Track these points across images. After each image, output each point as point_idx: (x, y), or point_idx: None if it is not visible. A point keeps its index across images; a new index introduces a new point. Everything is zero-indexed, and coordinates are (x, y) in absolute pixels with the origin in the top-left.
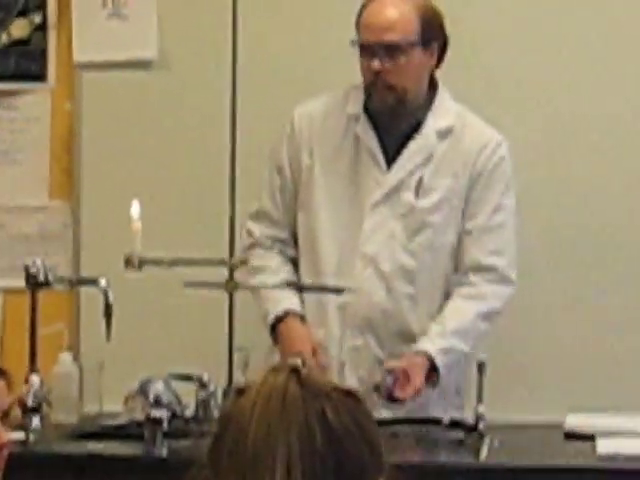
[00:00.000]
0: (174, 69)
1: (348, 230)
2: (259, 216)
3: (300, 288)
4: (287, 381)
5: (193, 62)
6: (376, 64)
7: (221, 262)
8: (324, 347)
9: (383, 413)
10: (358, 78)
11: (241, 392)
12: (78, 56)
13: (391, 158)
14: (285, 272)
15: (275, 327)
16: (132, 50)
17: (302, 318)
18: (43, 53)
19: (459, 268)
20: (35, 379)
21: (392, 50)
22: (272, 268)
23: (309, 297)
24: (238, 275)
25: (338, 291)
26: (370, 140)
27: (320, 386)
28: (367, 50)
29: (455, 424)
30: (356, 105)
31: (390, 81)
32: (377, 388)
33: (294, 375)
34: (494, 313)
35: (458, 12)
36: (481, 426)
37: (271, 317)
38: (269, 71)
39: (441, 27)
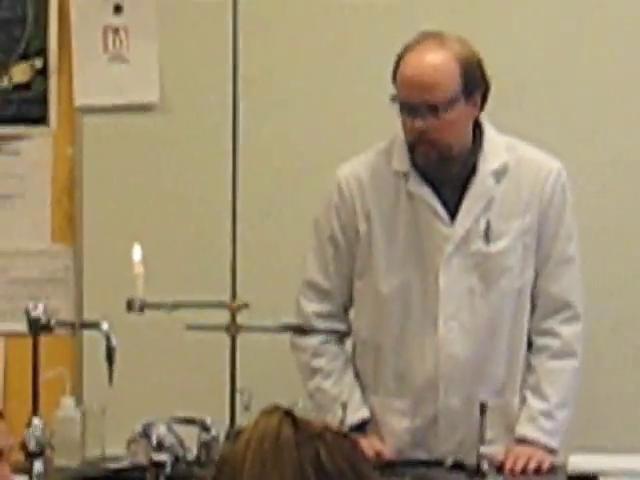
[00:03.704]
0: (176, 113)
1: (418, 291)
2: (308, 288)
3: (302, 330)
4: (280, 423)
5: (195, 106)
6: (420, 124)
7: (222, 305)
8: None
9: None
10: (362, 127)
11: (240, 435)
12: (79, 100)
13: (453, 210)
14: (345, 372)
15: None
16: (133, 94)
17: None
18: (44, 97)
19: (534, 306)
20: (37, 423)
21: (435, 109)
22: (327, 370)
23: (387, 368)
24: (239, 318)
25: (343, 334)
26: (426, 195)
27: (313, 428)
28: (408, 108)
29: (457, 466)
30: (402, 161)
31: (433, 137)
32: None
33: (287, 417)
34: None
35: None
36: (484, 467)
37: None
38: (271, 115)
39: (482, 73)
